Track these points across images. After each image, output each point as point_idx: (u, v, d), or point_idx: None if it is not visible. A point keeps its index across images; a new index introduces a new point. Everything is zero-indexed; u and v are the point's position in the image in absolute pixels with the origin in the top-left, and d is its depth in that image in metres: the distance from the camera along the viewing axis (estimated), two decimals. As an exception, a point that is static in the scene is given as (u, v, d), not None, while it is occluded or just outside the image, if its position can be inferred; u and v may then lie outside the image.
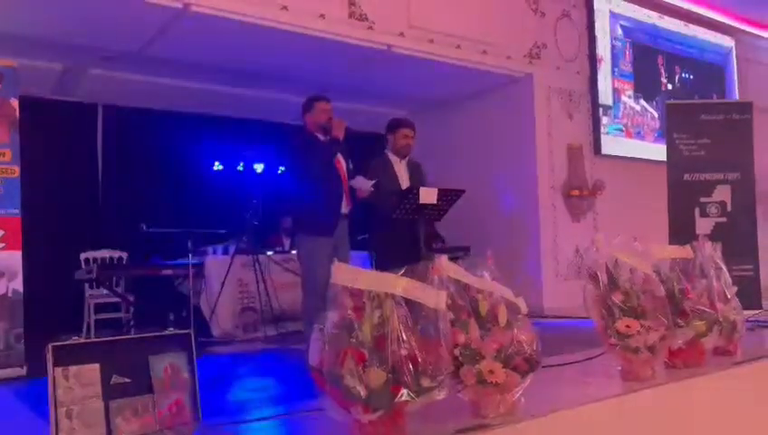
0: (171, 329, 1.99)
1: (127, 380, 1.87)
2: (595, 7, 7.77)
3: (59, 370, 1.79)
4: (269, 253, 6.21)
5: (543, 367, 2.04)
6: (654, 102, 8.45)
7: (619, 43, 8.09)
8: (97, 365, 1.85)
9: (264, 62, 6.10)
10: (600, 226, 7.44)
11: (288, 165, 4.93)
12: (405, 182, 4.54)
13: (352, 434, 1.72)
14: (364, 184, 4.21)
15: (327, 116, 4.14)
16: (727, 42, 9.58)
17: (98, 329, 5.87)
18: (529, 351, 1.95)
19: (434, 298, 1.79)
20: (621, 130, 8.01)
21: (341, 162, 4.18)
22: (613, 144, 7.84)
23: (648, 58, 8.48)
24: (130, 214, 6.47)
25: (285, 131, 6.23)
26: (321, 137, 4.13)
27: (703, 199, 5.64)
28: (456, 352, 1.87)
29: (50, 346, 1.79)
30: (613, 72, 7.97)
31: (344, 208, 4.11)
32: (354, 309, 1.70)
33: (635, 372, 2.41)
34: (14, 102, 4.31)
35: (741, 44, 9.71)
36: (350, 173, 4.26)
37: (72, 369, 1.80)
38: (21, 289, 4.22)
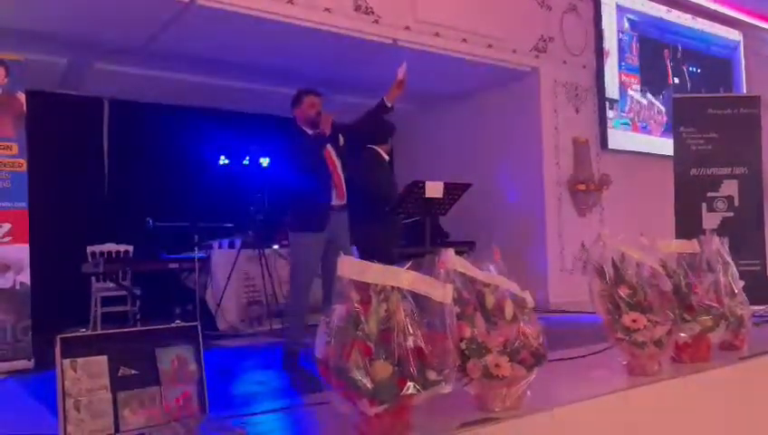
0: (178, 322, 1.99)
1: (134, 371, 1.88)
2: (602, 1, 7.73)
3: (67, 361, 1.79)
4: (275, 247, 6.22)
5: (549, 361, 2.04)
6: (661, 96, 8.41)
7: (625, 37, 8.05)
8: (105, 357, 1.85)
9: (269, 55, 6.09)
10: (606, 220, 7.42)
11: (280, 160, 4.89)
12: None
13: (358, 427, 1.73)
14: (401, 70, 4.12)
15: (316, 110, 4.02)
16: (735, 36, 9.52)
17: (104, 322, 5.89)
18: (535, 344, 1.95)
19: (440, 292, 1.79)
20: (628, 124, 7.98)
21: (332, 156, 4.04)
22: (620, 138, 7.80)
23: (655, 52, 8.43)
24: (137, 208, 6.49)
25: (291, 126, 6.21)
26: (309, 131, 4.03)
27: (710, 194, 5.62)
28: (462, 345, 1.87)
29: (58, 338, 1.80)
30: (620, 65, 7.93)
31: (336, 202, 3.97)
32: (361, 302, 1.70)
33: (641, 367, 2.41)
34: (21, 96, 4.32)
35: (749, 38, 9.64)
36: (343, 157, 4.09)
37: (80, 360, 1.81)
38: (28, 282, 4.24)
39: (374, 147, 5.07)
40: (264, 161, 7.35)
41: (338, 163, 4.05)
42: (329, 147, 4.02)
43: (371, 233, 4.85)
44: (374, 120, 4.12)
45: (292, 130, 4.13)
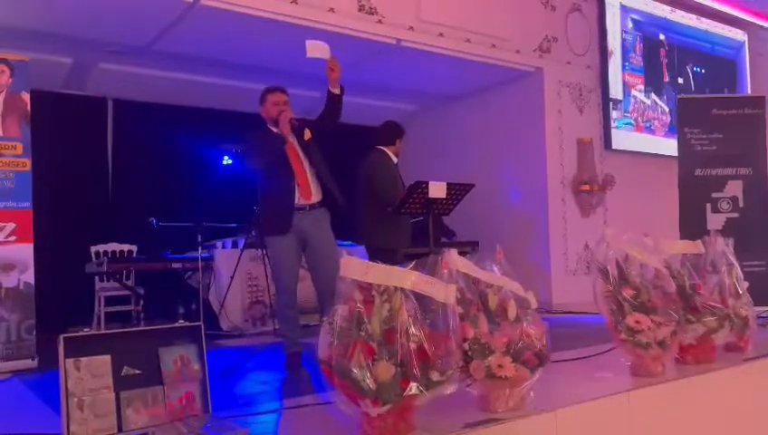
0: (182, 321, 1.99)
1: (137, 371, 1.89)
2: (606, 1, 7.71)
3: (70, 361, 1.80)
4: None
5: (553, 362, 2.04)
6: (664, 96, 8.39)
7: (629, 37, 8.03)
8: (108, 357, 1.86)
9: (273, 56, 6.09)
10: (609, 221, 7.40)
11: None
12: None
13: (361, 427, 1.73)
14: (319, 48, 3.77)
15: (278, 109, 3.87)
16: (740, 36, 9.49)
17: (108, 321, 5.91)
18: (538, 345, 1.95)
19: (443, 292, 1.79)
20: (631, 125, 7.96)
21: (298, 154, 3.85)
22: (624, 139, 7.79)
23: (659, 52, 8.42)
24: (140, 207, 6.50)
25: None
26: (274, 130, 3.87)
27: (714, 195, 5.60)
28: (466, 346, 1.87)
29: (61, 337, 1.80)
30: (623, 66, 7.92)
31: (301, 202, 3.77)
32: (363, 302, 1.70)
33: (645, 368, 2.41)
34: (26, 96, 4.33)
35: (754, 39, 9.61)
36: (312, 153, 3.86)
37: (84, 360, 1.82)
38: (32, 281, 4.25)
39: (382, 148, 5.08)
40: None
41: (304, 161, 3.84)
42: (294, 145, 3.85)
43: (379, 233, 4.86)
44: (330, 111, 3.92)
45: (256, 130, 3.99)
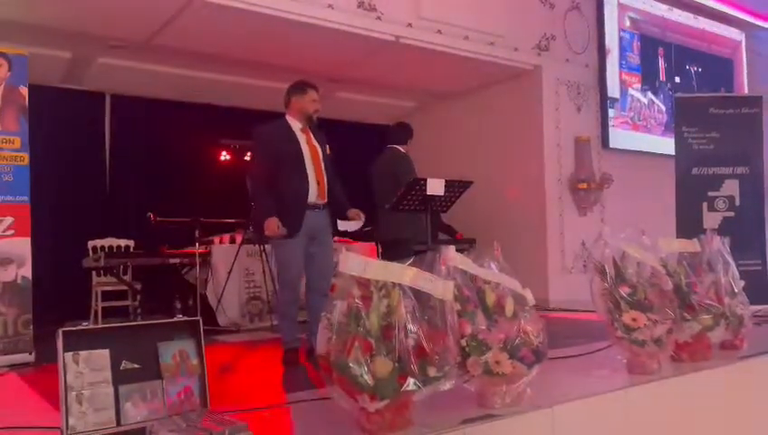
0: (180, 316, 2.00)
1: (136, 365, 1.89)
2: (604, -1, 7.72)
3: (69, 355, 1.80)
4: (275, 243, 6.21)
5: (550, 359, 2.05)
6: (661, 95, 8.40)
7: (626, 36, 8.04)
8: (107, 351, 1.87)
9: (271, 52, 6.09)
10: (606, 219, 7.42)
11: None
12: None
13: (358, 422, 1.73)
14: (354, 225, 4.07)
15: (315, 107, 3.92)
16: (737, 35, 9.51)
17: (105, 316, 5.90)
18: (535, 342, 1.96)
19: (441, 289, 1.80)
20: (628, 123, 7.97)
21: (319, 156, 3.89)
22: (621, 137, 7.80)
23: (656, 51, 8.43)
24: (138, 202, 6.49)
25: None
26: (298, 125, 3.89)
27: (711, 193, 5.62)
28: (463, 342, 1.88)
29: (60, 331, 1.81)
30: (620, 64, 7.92)
31: (318, 200, 3.83)
32: (362, 298, 1.71)
33: (641, 365, 2.42)
34: (24, 90, 4.32)
35: (751, 38, 9.63)
36: (327, 158, 3.94)
37: (83, 354, 1.82)
38: (29, 276, 4.24)
39: (397, 146, 5.28)
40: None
41: (322, 163, 3.89)
42: (317, 148, 3.90)
43: (398, 228, 4.94)
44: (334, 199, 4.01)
45: (271, 124, 3.96)
